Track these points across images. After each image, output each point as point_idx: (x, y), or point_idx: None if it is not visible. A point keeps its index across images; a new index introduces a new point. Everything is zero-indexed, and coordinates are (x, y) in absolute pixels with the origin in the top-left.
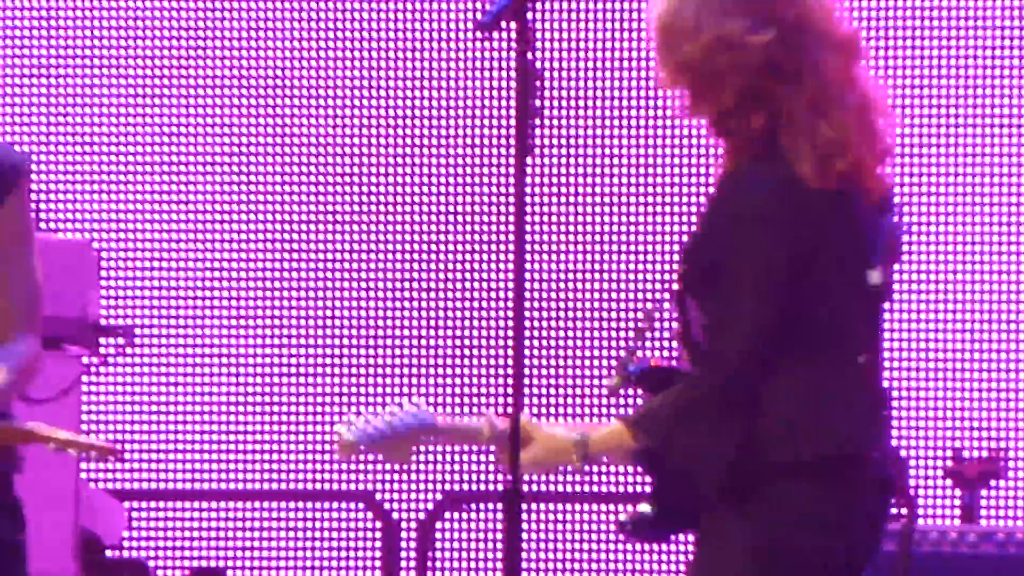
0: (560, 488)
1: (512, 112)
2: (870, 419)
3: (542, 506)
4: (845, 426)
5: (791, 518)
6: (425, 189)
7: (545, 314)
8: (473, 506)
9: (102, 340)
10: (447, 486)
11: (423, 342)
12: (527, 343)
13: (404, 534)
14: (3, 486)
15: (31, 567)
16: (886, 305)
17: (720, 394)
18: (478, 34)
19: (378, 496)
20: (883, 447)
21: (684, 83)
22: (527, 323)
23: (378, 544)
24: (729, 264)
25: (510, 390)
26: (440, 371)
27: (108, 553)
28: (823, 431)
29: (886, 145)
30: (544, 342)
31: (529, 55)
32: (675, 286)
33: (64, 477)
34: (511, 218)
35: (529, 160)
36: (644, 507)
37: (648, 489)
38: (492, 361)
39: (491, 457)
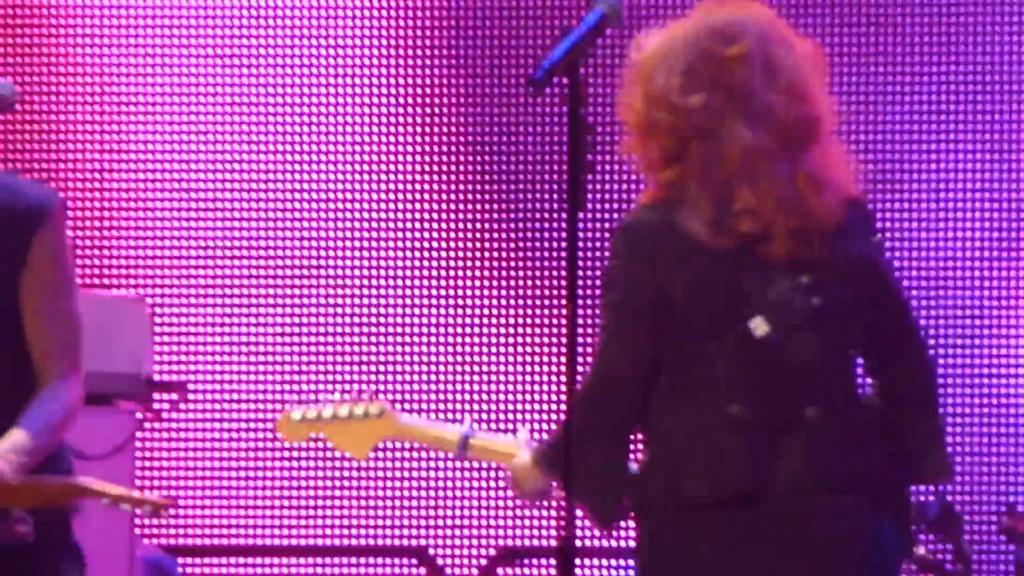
0: (614, 543)
1: (564, 167)
2: (718, 468)
3: (595, 561)
4: (684, 475)
5: (639, 564)
6: (479, 244)
7: None
8: (527, 561)
9: (156, 396)
10: (500, 541)
11: (483, 396)
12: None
13: None
14: (64, 528)
15: None
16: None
17: (577, 426)
18: (530, 90)
19: (431, 551)
20: (747, 496)
21: (628, 125)
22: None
23: None
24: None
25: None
26: (505, 426)
27: None
28: (666, 477)
29: (818, 218)
30: None
31: (581, 110)
32: None
33: (118, 532)
34: (564, 272)
35: (581, 214)
36: None
37: None
38: (548, 408)
39: (545, 512)
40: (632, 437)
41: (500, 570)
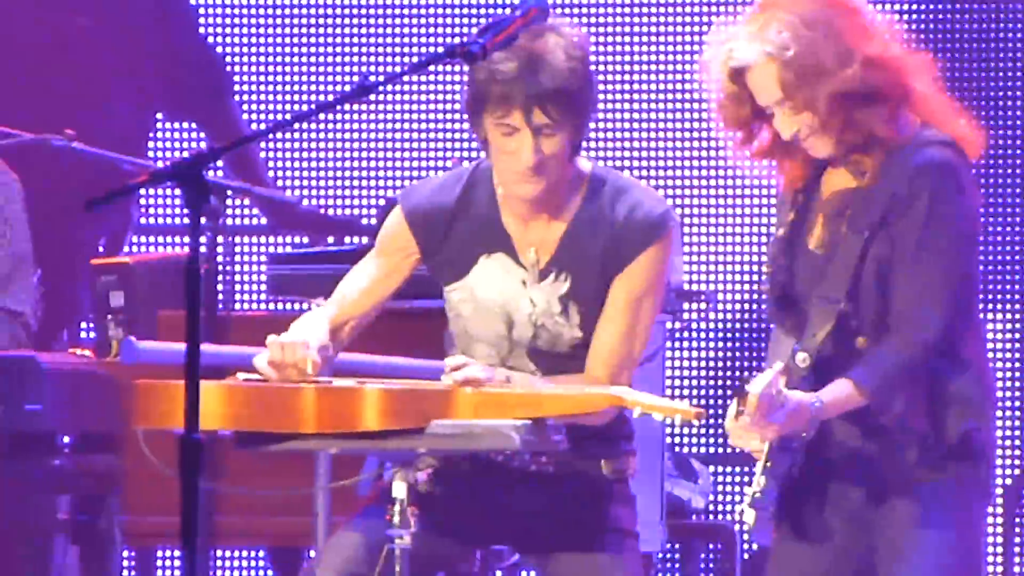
0: None
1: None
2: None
3: None
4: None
5: (979, 492)
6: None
7: None
8: None
9: (685, 306)
10: None
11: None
12: None
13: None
14: (619, 466)
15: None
16: None
17: (926, 354)
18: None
19: None
20: None
21: (831, 108)
22: None
23: None
24: (931, 236)
25: None
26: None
27: (694, 517)
28: (990, 408)
29: None
30: None
31: None
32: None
33: (650, 442)
34: None
35: None
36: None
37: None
38: None
39: None
40: None
41: None
